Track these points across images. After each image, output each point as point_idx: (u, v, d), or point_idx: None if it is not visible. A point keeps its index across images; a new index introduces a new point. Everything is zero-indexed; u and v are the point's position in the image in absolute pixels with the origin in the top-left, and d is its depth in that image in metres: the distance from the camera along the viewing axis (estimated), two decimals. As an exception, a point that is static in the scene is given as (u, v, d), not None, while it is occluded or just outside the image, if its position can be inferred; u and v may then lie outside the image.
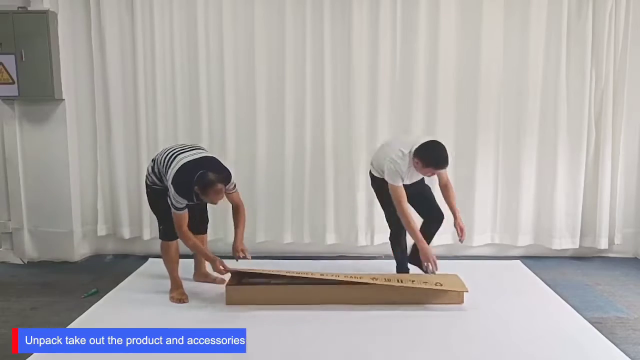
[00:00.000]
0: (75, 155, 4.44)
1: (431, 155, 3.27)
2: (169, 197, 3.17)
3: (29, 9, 4.14)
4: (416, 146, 3.29)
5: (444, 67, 4.31)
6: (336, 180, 4.45)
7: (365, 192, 4.41)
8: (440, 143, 3.32)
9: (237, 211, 3.44)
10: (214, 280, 3.66)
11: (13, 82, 4.11)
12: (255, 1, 4.27)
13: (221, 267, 3.29)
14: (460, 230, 3.52)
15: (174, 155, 3.25)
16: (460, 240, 3.57)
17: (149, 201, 3.52)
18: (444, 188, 3.53)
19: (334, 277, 3.37)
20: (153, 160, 3.40)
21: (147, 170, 3.43)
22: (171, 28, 4.32)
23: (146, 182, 3.45)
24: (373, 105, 4.36)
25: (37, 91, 4.15)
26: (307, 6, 4.27)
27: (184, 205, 3.17)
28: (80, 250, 4.51)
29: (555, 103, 4.32)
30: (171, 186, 3.13)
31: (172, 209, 3.19)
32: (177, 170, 3.14)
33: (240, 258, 3.35)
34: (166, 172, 3.20)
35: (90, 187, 4.54)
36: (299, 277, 3.39)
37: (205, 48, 4.32)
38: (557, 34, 4.26)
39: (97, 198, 4.52)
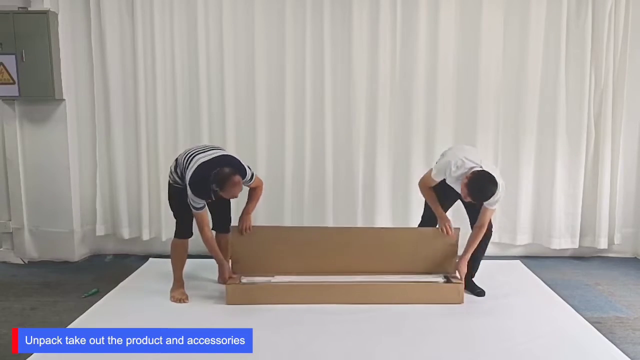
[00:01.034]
0: (75, 155, 4.45)
1: (475, 185, 3.14)
2: (188, 197, 3.21)
3: (29, 9, 4.14)
4: (477, 169, 3.20)
5: (443, 68, 4.31)
6: (336, 180, 4.45)
7: (365, 192, 4.43)
8: (489, 179, 3.16)
9: (253, 189, 3.51)
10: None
11: (13, 82, 4.12)
12: (255, 2, 4.27)
13: (226, 276, 3.39)
14: (459, 272, 3.44)
15: (192, 156, 3.27)
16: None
17: (168, 199, 3.54)
18: (478, 228, 3.39)
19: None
20: (176, 160, 3.42)
21: (170, 169, 3.45)
22: (171, 28, 4.32)
23: (169, 180, 3.47)
24: (373, 106, 4.36)
25: (38, 91, 4.16)
26: (307, 8, 4.27)
27: (202, 205, 3.22)
28: (81, 250, 4.52)
29: (554, 103, 4.33)
30: (188, 187, 3.17)
31: (192, 209, 3.24)
32: (193, 171, 3.17)
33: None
34: (185, 174, 3.23)
35: (90, 187, 4.54)
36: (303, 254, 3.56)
37: (205, 48, 4.32)
38: (556, 34, 4.26)
39: (96, 198, 4.53)
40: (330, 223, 4.44)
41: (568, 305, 3.34)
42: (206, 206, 3.27)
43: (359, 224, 4.44)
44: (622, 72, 4.31)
